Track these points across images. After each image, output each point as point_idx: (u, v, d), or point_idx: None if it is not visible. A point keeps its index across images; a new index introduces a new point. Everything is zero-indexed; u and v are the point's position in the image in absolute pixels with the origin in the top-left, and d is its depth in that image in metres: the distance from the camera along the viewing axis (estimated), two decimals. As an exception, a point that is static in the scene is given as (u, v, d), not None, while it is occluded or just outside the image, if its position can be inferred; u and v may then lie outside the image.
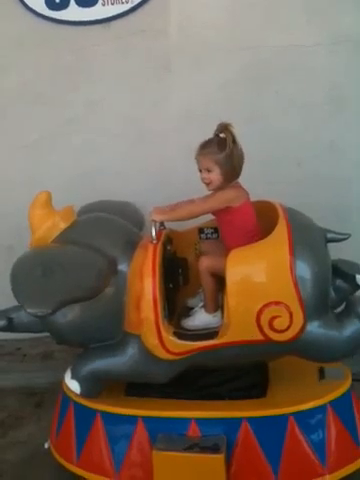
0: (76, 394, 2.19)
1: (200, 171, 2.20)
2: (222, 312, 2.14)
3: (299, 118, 2.85)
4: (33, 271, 1.94)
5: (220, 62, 2.88)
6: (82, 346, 2.27)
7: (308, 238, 2.05)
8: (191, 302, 2.38)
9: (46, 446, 2.43)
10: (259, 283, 1.99)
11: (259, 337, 1.98)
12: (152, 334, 2.04)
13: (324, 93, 2.84)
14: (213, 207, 2.17)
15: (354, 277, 2.14)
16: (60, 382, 2.39)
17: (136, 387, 2.28)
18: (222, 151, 2.12)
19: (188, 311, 2.30)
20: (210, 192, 2.23)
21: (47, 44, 3.00)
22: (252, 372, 2.23)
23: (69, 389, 2.23)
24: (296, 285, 1.95)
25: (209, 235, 2.43)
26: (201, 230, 2.43)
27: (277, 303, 1.95)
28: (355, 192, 2.92)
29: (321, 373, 2.28)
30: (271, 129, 2.84)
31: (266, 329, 1.96)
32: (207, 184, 2.19)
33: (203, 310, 2.21)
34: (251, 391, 2.18)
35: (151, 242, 2.14)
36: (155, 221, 2.16)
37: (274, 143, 2.84)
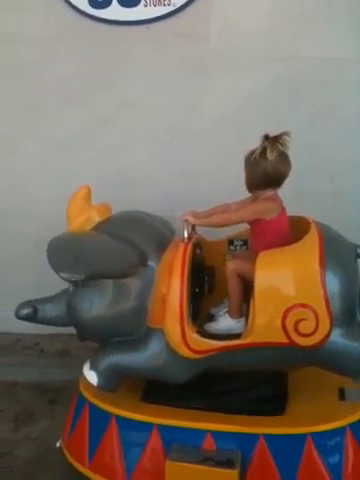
0: (93, 385, 2.16)
1: None
2: (246, 319, 2.11)
3: (333, 132, 2.81)
4: (68, 245, 2.06)
5: (256, 70, 2.86)
6: (104, 341, 2.25)
7: (338, 247, 2.04)
8: (215, 311, 2.34)
9: (58, 445, 2.41)
10: (287, 285, 1.96)
11: (284, 340, 1.94)
12: (176, 329, 2.02)
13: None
14: (244, 218, 2.16)
15: None
16: (76, 380, 2.39)
17: (153, 394, 2.24)
18: (253, 154, 2.13)
19: (212, 318, 2.27)
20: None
21: (86, 41, 3.00)
22: (271, 384, 2.19)
23: (86, 384, 2.22)
24: (324, 290, 1.92)
25: (238, 247, 2.42)
26: (231, 242, 2.43)
27: (304, 306, 1.92)
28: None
29: (341, 393, 2.22)
30: (303, 142, 2.75)
31: (291, 332, 1.93)
32: None
33: (227, 315, 2.18)
34: (269, 405, 2.14)
35: (182, 241, 2.14)
36: (188, 222, 2.16)
37: (306, 156, 2.77)
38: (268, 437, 2.02)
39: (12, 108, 3.10)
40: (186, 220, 2.17)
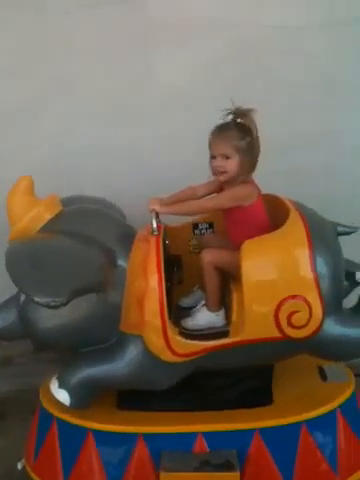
0: (65, 406, 1.91)
1: (213, 157, 1.97)
2: (225, 310, 2.00)
3: (289, 103, 2.64)
4: (35, 259, 1.72)
5: (206, 39, 2.59)
6: (69, 351, 2.01)
7: (323, 230, 1.94)
8: (184, 302, 2.19)
9: (19, 467, 2.16)
10: (277, 276, 1.83)
11: (276, 334, 1.83)
12: (157, 335, 1.84)
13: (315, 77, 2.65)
14: (222, 206, 1.97)
15: (354, 274, 2.05)
16: (23, 390, 2.14)
17: (129, 398, 2.05)
18: (244, 138, 1.93)
19: (183, 311, 2.10)
20: (210, 180, 2.04)
21: (11, 8, 2.54)
22: (255, 375, 2.08)
23: (49, 396, 1.97)
24: (316, 277, 1.82)
25: (203, 231, 2.27)
26: (195, 225, 2.27)
27: (297, 297, 1.81)
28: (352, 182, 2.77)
29: (322, 373, 2.19)
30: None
31: (284, 325, 1.82)
32: (220, 173, 1.97)
33: (205, 309, 2.02)
34: (256, 397, 2.04)
35: (152, 234, 1.92)
36: (155, 211, 1.94)
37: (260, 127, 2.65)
38: (263, 431, 1.93)
39: None
40: (153, 210, 1.95)
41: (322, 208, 2.08)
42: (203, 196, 2.10)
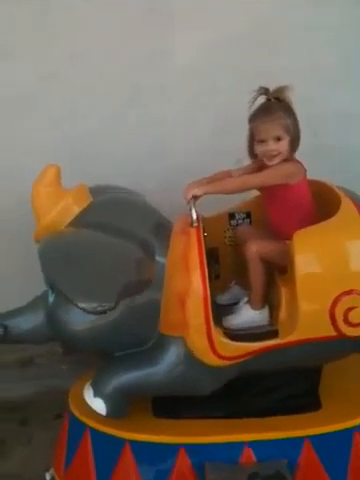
0: (101, 415, 1.76)
1: (262, 141, 1.85)
2: (269, 308, 1.86)
3: (315, 82, 2.46)
4: (78, 259, 1.58)
5: (230, 14, 2.42)
6: (103, 354, 1.86)
7: None
8: (222, 299, 2.04)
9: (48, 478, 2.01)
10: (333, 270, 1.68)
11: (332, 333, 1.69)
12: (201, 336, 1.69)
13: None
14: (271, 181, 1.84)
15: None
16: (47, 392, 1.98)
17: (165, 405, 1.90)
18: (290, 116, 1.83)
19: (221, 309, 1.94)
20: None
21: None
22: (300, 377, 1.92)
23: (78, 402, 1.85)
24: None
25: (240, 221, 2.11)
26: (232, 215, 2.11)
27: (352, 292, 1.67)
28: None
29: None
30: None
31: (340, 323, 1.68)
32: (273, 156, 1.85)
33: (248, 306, 1.88)
34: (303, 401, 1.89)
35: (191, 226, 1.77)
36: (195, 197, 1.78)
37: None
38: (314, 438, 1.78)
39: None
40: (193, 197, 1.78)
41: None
42: None
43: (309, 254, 1.69)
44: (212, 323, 1.69)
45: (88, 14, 2.40)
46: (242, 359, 1.73)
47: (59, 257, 1.57)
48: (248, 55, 2.42)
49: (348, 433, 1.80)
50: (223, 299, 2.04)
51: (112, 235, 1.67)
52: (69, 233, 1.71)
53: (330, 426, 1.81)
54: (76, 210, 1.78)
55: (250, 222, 2.10)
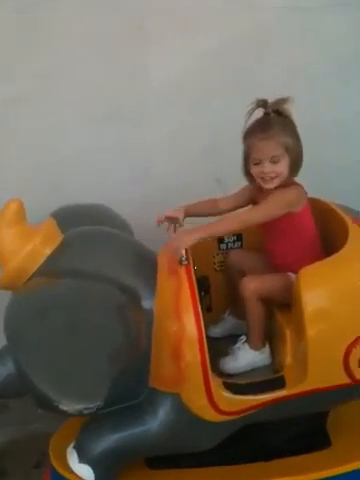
0: None
1: (257, 163, 1.62)
2: (270, 347, 1.68)
3: (306, 90, 2.19)
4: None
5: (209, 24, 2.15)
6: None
7: None
8: (214, 332, 1.85)
9: None
10: (347, 310, 1.49)
11: (345, 381, 1.52)
12: (199, 392, 1.48)
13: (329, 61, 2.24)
14: (275, 214, 1.60)
15: None
16: (24, 439, 1.80)
17: (160, 457, 1.69)
18: (290, 133, 1.60)
19: (214, 344, 1.69)
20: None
21: None
22: (308, 417, 1.71)
23: (59, 454, 1.64)
24: None
25: (231, 244, 1.90)
26: (221, 239, 1.89)
27: None
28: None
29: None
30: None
31: (355, 369, 1.50)
32: (270, 179, 1.62)
33: (247, 346, 1.69)
34: (312, 440, 1.73)
35: (180, 264, 1.55)
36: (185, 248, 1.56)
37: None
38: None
39: None
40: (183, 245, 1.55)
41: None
42: (227, 211, 1.76)
43: (319, 292, 1.49)
44: (211, 377, 1.48)
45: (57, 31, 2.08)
46: (245, 413, 1.53)
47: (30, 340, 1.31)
48: (230, 70, 2.17)
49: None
50: (216, 332, 1.85)
51: (90, 283, 1.42)
52: (38, 293, 1.42)
53: (345, 466, 1.64)
54: (46, 252, 1.52)
55: (241, 245, 1.90)
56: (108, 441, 1.54)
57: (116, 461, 1.57)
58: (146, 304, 1.49)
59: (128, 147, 2.21)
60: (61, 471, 1.69)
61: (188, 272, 1.53)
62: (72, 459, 1.55)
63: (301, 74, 2.21)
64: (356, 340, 1.47)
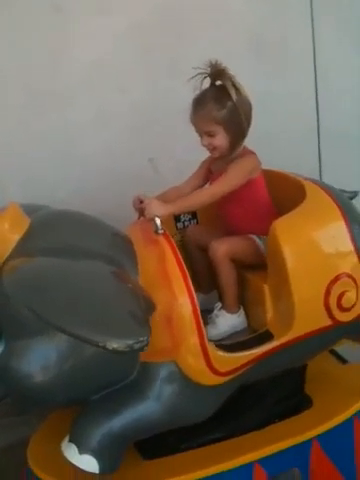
0: (93, 473, 1.44)
1: (200, 136, 1.71)
2: (244, 308, 1.72)
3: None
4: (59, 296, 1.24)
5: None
6: (77, 403, 1.53)
7: (344, 198, 1.72)
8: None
9: None
10: (322, 255, 1.59)
11: (327, 323, 1.59)
12: (196, 356, 1.46)
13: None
14: (239, 183, 1.67)
15: None
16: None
17: (153, 444, 1.63)
18: (223, 106, 1.65)
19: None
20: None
21: None
22: (286, 378, 1.77)
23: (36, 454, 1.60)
24: (357, 250, 1.61)
25: (186, 222, 1.93)
26: (177, 218, 1.91)
27: (341, 276, 1.58)
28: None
29: (338, 356, 1.98)
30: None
31: (335, 310, 1.58)
32: (211, 150, 1.72)
33: (224, 311, 1.71)
34: (294, 401, 1.78)
35: (157, 233, 1.55)
36: (157, 217, 1.56)
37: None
38: (321, 438, 1.67)
39: None
40: (155, 216, 1.55)
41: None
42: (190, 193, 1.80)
43: (296, 242, 1.57)
44: (206, 338, 1.49)
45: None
46: (240, 371, 1.55)
47: (50, 290, 1.24)
48: (157, 45, 2.23)
49: (349, 422, 1.72)
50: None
51: (75, 259, 1.39)
52: (36, 263, 1.36)
53: (332, 420, 1.70)
54: (15, 238, 1.45)
55: (197, 222, 1.93)
56: (107, 425, 1.46)
57: (118, 446, 1.48)
58: (132, 276, 1.47)
59: (49, 132, 2.17)
60: (40, 475, 1.59)
61: (167, 239, 1.54)
62: (71, 452, 1.44)
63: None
64: (332, 281, 1.56)
